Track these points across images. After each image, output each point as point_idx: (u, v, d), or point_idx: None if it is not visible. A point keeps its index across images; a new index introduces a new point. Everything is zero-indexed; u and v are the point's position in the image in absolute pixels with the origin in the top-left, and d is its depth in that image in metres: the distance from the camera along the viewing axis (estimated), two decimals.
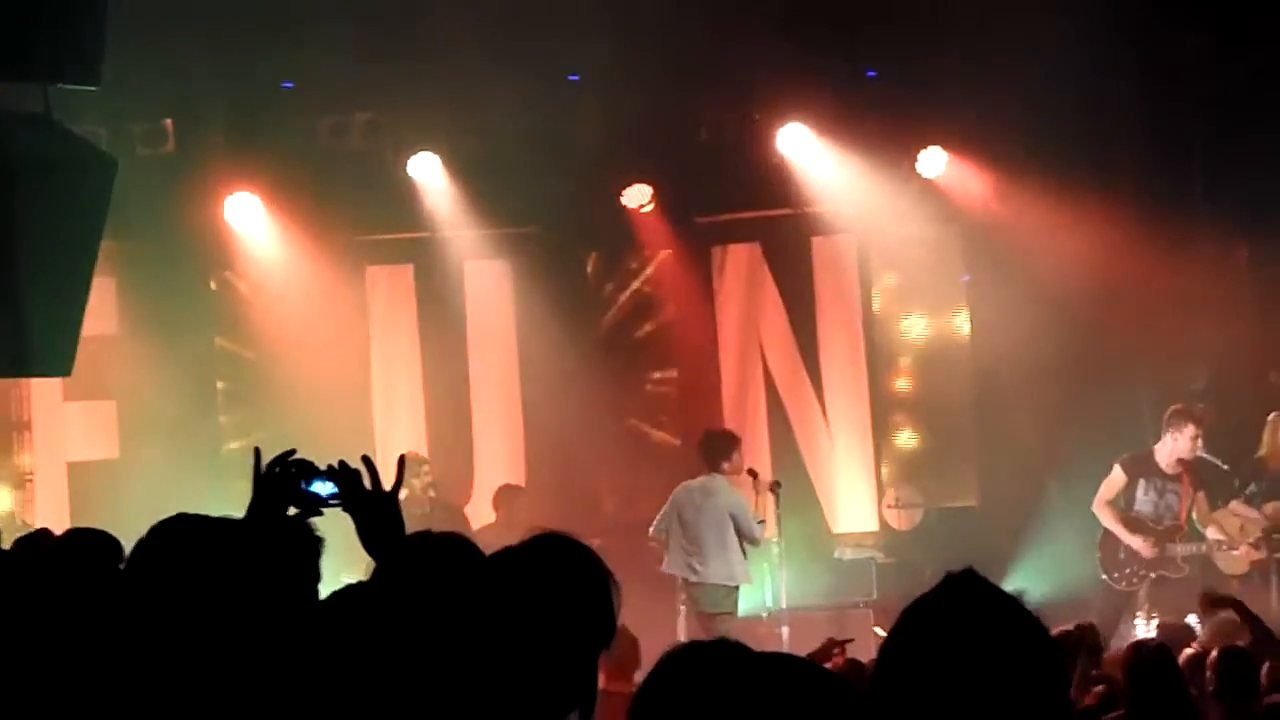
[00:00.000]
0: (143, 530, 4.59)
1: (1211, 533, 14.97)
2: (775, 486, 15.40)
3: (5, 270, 12.11)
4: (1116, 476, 15.07)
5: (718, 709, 2.84)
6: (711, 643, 3.06)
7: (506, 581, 3.64)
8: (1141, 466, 15.03)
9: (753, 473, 15.24)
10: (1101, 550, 15.04)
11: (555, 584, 3.64)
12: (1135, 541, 14.85)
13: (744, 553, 14.87)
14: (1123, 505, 15.09)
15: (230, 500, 4.72)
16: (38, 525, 14.03)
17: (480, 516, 16.66)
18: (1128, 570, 14.81)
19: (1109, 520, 14.96)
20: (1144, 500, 14.97)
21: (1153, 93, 15.93)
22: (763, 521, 14.97)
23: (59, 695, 4.19)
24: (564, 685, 3.59)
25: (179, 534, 4.31)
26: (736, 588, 14.95)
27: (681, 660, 3.11)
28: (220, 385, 17.52)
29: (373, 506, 4.50)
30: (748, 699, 2.83)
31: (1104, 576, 14.96)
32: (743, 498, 15.03)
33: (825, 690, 2.88)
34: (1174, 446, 14.96)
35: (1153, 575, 14.90)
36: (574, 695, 3.61)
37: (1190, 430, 14.92)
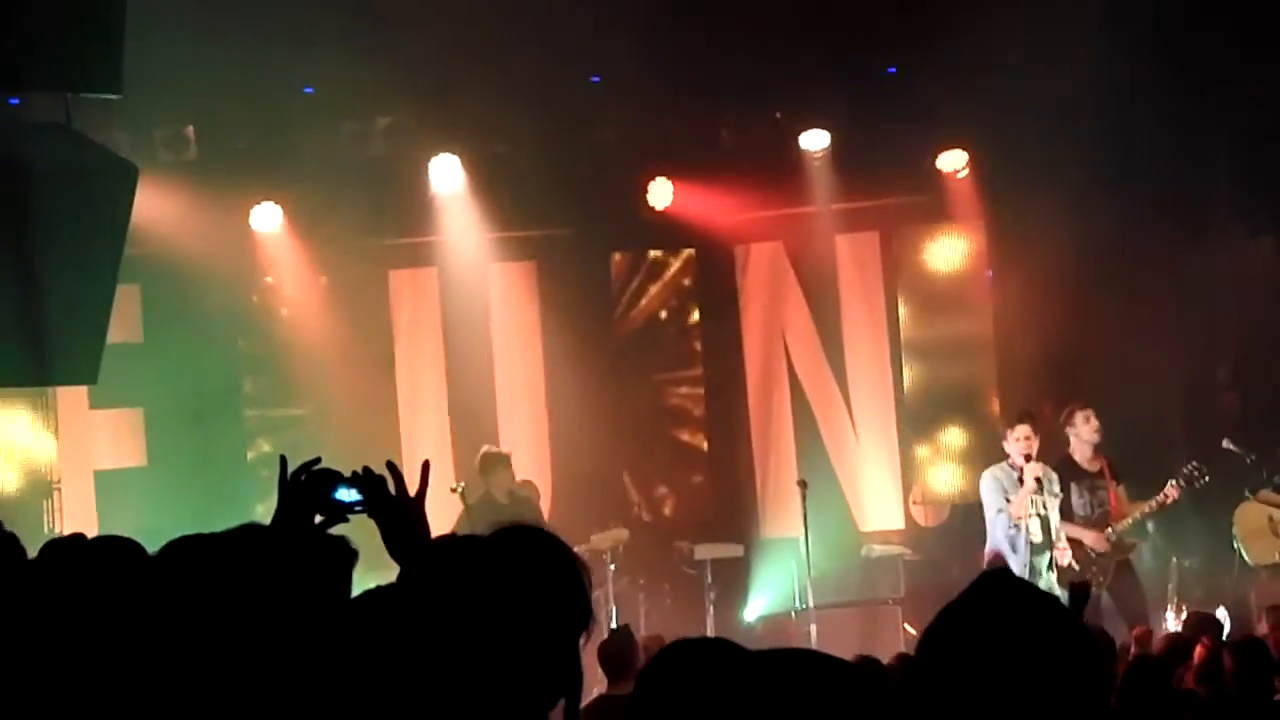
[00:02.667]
0: (169, 537, 4.60)
1: (1128, 522, 14.66)
2: (801, 485, 15.37)
3: (29, 279, 12.14)
4: None
5: (706, 704, 2.85)
6: (703, 639, 3.06)
7: (478, 575, 3.64)
8: (1068, 472, 14.83)
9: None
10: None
11: (525, 573, 3.64)
12: (1088, 536, 14.61)
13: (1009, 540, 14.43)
14: (1061, 512, 14.89)
15: (257, 508, 4.73)
16: (66, 533, 14.09)
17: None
18: (1094, 569, 14.59)
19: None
20: (1079, 503, 14.72)
21: (1179, 85, 15.86)
22: (1003, 506, 14.40)
23: (84, 702, 4.20)
24: (548, 674, 3.58)
25: (200, 546, 4.32)
26: None
27: (672, 656, 3.10)
28: (246, 392, 17.54)
29: (397, 512, 4.50)
30: (735, 695, 2.83)
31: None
32: (987, 482, 14.59)
33: (824, 682, 2.88)
34: (1079, 442, 14.78)
35: (1114, 562, 14.68)
36: (560, 683, 3.60)
37: (1081, 416, 14.77)
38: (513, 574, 3.63)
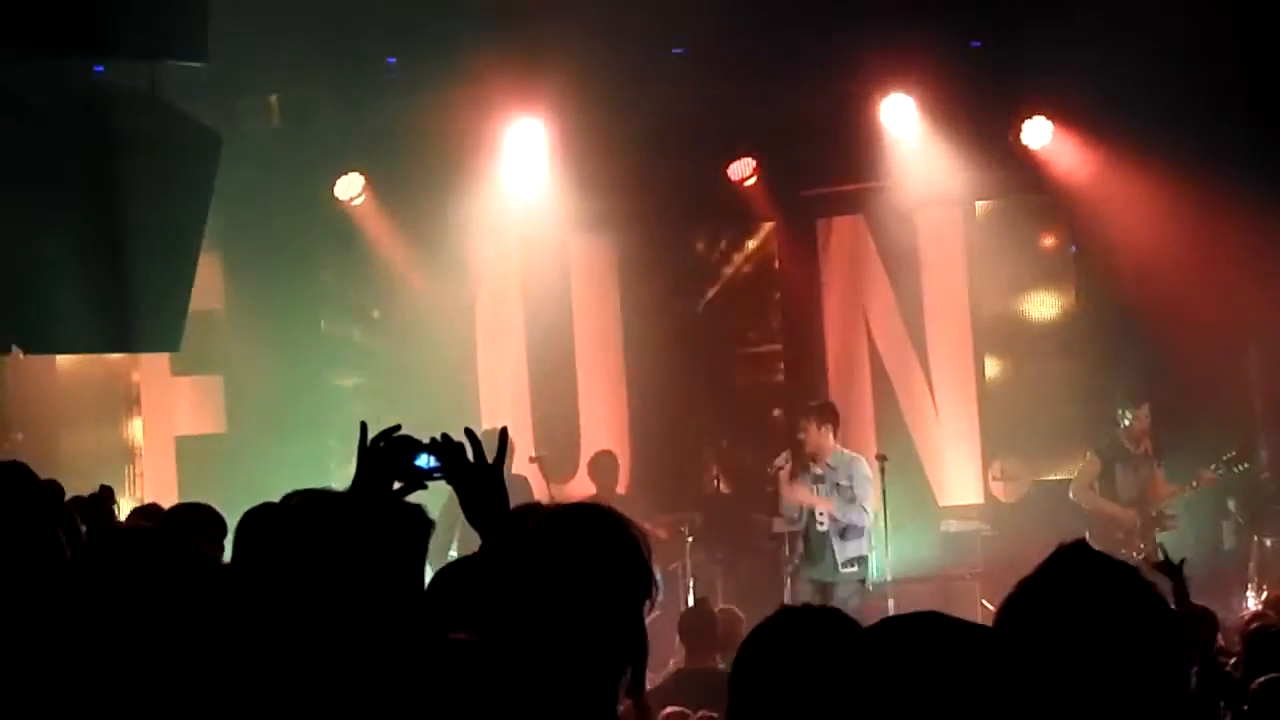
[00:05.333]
0: (249, 503, 4.62)
1: (1167, 502, 15.41)
2: (881, 459, 15.33)
3: (114, 247, 12.24)
4: (1090, 462, 15.70)
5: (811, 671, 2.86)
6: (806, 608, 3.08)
7: (545, 550, 3.68)
8: (1115, 452, 15.57)
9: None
10: (1093, 536, 14.92)
11: (588, 546, 3.68)
12: (1117, 510, 15.20)
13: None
14: (1098, 489, 15.46)
15: (336, 475, 4.74)
16: (147, 499, 14.22)
17: (584, 488, 16.69)
18: (1127, 546, 14.87)
19: (1088, 501, 15.48)
20: (1124, 483, 15.45)
21: (1258, 57, 15.71)
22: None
23: (161, 672, 4.22)
24: (614, 643, 3.61)
25: (287, 511, 4.34)
26: None
27: (778, 626, 3.12)
28: (325, 359, 17.61)
29: (475, 479, 4.51)
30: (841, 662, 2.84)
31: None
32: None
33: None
34: (1130, 425, 15.60)
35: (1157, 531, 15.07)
36: (625, 651, 3.63)
37: (1144, 410, 15.61)
38: (577, 548, 3.66)
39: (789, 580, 15.53)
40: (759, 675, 3.56)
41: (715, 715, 7.88)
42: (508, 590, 3.65)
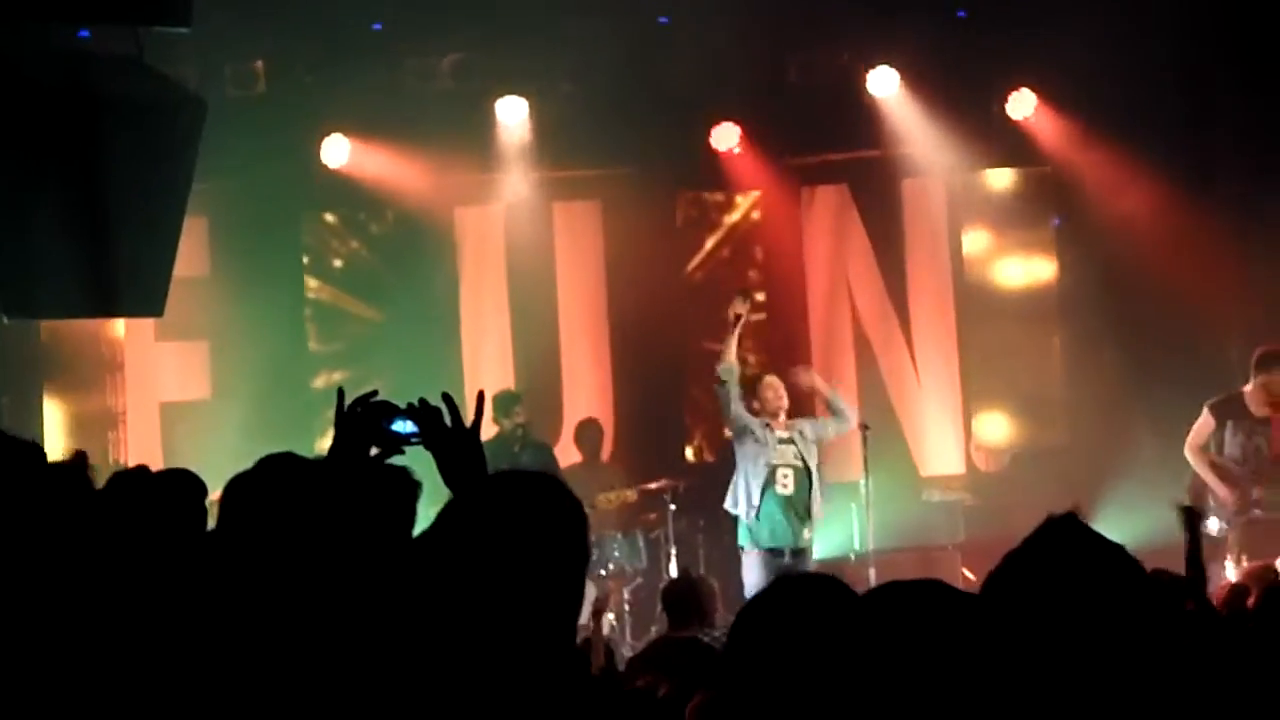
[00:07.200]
0: (233, 469, 4.65)
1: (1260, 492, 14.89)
2: (863, 428, 15.31)
3: (98, 212, 12.23)
4: (1205, 420, 14.75)
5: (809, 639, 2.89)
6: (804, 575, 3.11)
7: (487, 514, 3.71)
8: (1230, 409, 14.78)
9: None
10: (1192, 495, 14.89)
11: (548, 513, 3.70)
12: (1221, 491, 14.70)
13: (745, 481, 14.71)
14: (1213, 449, 14.96)
15: (321, 441, 4.77)
16: (131, 465, 14.23)
17: (569, 455, 16.71)
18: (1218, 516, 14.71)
19: (1199, 466, 14.82)
20: (1232, 442, 14.74)
21: (1245, 29, 15.73)
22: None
23: (148, 638, 4.24)
24: (556, 601, 3.64)
25: (269, 476, 4.36)
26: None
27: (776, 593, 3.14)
28: (311, 325, 17.63)
29: (453, 443, 4.52)
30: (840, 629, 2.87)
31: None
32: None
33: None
34: (1257, 386, 14.59)
35: (1243, 518, 14.77)
36: (566, 608, 3.67)
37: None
38: (545, 512, 3.69)
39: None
40: (755, 643, 3.58)
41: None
42: (453, 553, 3.67)
